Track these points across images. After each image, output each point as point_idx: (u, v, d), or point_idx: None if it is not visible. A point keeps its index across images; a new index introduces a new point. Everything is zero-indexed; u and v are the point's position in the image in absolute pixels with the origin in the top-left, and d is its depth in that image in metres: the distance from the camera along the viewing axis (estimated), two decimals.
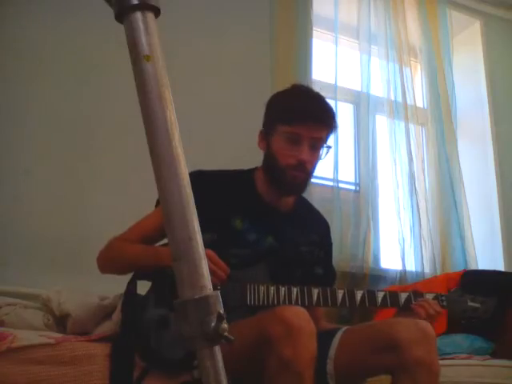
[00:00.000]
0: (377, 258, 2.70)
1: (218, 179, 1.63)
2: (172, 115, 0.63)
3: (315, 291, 1.49)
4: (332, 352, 1.42)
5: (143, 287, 1.41)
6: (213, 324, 0.60)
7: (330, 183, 2.69)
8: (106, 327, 1.60)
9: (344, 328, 1.49)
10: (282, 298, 1.45)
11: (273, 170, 1.59)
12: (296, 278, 1.59)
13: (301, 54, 2.72)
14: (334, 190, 2.67)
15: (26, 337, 1.32)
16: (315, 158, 1.59)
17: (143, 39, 0.63)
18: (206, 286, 0.61)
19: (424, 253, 2.77)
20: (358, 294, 1.52)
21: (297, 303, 1.44)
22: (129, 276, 1.48)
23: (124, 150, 2.26)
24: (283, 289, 1.46)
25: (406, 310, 1.53)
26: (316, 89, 1.73)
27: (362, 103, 2.87)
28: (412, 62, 3.16)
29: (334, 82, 2.81)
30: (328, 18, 2.94)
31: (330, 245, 1.79)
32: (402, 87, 2.94)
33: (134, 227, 1.58)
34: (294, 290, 1.47)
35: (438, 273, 2.72)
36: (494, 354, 2.03)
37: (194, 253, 0.61)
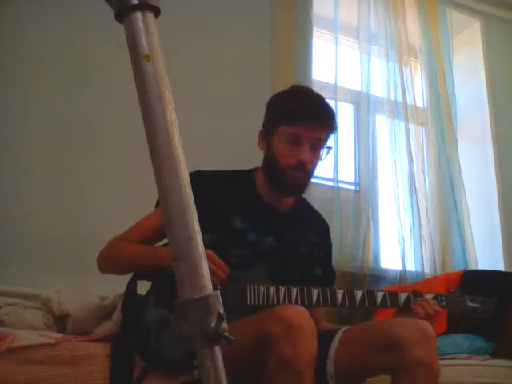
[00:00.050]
0: (377, 258, 2.70)
1: (218, 179, 1.63)
2: (172, 115, 0.63)
3: (315, 291, 1.49)
4: (332, 352, 1.42)
5: (143, 287, 1.41)
6: (213, 324, 0.60)
7: (330, 183, 2.69)
8: (106, 327, 1.60)
9: (344, 328, 1.49)
10: (281, 298, 1.45)
11: (273, 170, 1.59)
12: (296, 278, 1.59)
13: (301, 54, 2.72)
14: (334, 190, 2.67)
15: (26, 337, 1.32)
16: (315, 158, 1.59)
17: (143, 39, 0.63)
18: (206, 286, 0.61)
19: (424, 253, 2.77)
20: (358, 294, 1.52)
21: (296, 303, 1.44)
22: (129, 276, 1.48)
23: (124, 150, 2.26)
24: (283, 289, 1.46)
25: (405, 309, 1.53)
26: (316, 89, 1.73)
27: (362, 103, 2.87)
28: (412, 62, 3.16)
29: (334, 82, 2.81)
30: (328, 18, 2.94)
31: (330, 245, 1.79)
32: (401, 87, 2.94)
33: (134, 227, 1.58)
34: (294, 290, 1.47)
35: (438, 273, 2.72)
36: (494, 354, 2.03)
37: (193, 253, 0.61)
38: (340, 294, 1.51)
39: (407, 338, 1.32)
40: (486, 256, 2.94)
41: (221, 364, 0.61)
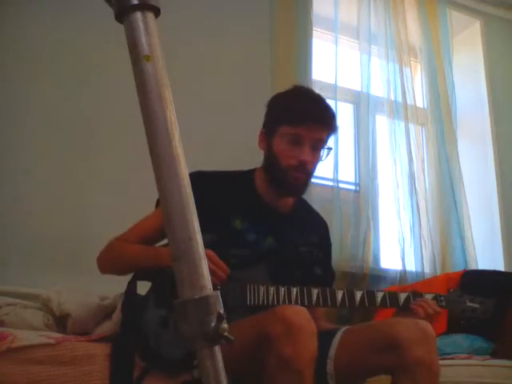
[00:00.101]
0: (377, 258, 2.70)
1: (218, 180, 1.63)
2: (172, 115, 0.63)
3: (315, 291, 1.49)
4: (332, 352, 1.42)
5: (143, 287, 1.41)
6: (213, 324, 0.60)
7: (330, 183, 2.69)
8: (106, 327, 1.60)
9: (344, 328, 1.49)
10: (281, 298, 1.45)
11: (274, 170, 1.59)
12: (295, 278, 1.59)
13: (301, 54, 2.72)
14: (334, 190, 2.67)
15: (26, 337, 1.32)
16: (316, 158, 1.60)
17: (143, 39, 0.63)
18: (206, 286, 0.61)
19: (424, 253, 2.77)
20: (358, 295, 1.52)
21: (296, 303, 1.44)
22: (129, 276, 1.48)
23: (124, 150, 2.26)
24: (283, 289, 1.46)
25: (405, 310, 1.53)
26: (316, 89, 1.73)
27: (362, 103, 2.87)
28: (412, 62, 3.16)
29: (334, 82, 2.81)
30: (328, 18, 2.94)
31: (330, 246, 1.79)
32: (402, 87, 2.94)
33: (134, 228, 1.58)
34: (294, 290, 1.47)
35: (438, 273, 2.72)
36: (494, 354, 2.03)
37: (194, 253, 0.61)
38: (340, 294, 1.51)
39: (407, 338, 1.32)
40: (486, 256, 2.94)
41: (221, 364, 0.61)
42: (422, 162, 2.96)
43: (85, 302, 1.66)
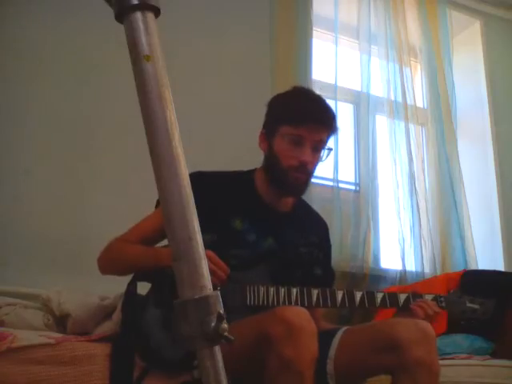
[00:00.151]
0: (377, 258, 2.70)
1: (218, 180, 1.63)
2: (172, 115, 0.63)
3: (315, 292, 1.49)
4: (332, 352, 1.42)
5: (143, 288, 1.41)
6: (213, 324, 0.60)
7: (330, 183, 2.69)
8: (106, 327, 1.60)
9: (344, 328, 1.49)
10: (281, 299, 1.45)
11: (274, 170, 1.59)
12: (296, 278, 1.59)
13: (301, 54, 2.72)
14: (334, 190, 2.67)
15: (26, 337, 1.32)
16: (316, 159, 1.60)
17: (143, 39, 0.63)
18: (206, 286, 0.61)
19: (424, 253, 2.77)
20: (358, 295, 1.52)
21: (296, 304, 1.44)
22: (129, 276, 1.48)
23: (124, 150, 2.26)
24: (283, 290, 1.46)
25: (405, 310, 1.53)
26: (316, 89, 1.74)
27: (362, 103, 2.87)
28: (412, 62, 3.16)
29: (334, 82, 2.81)
30: (328, 18, 2.94)
31: (329, 246, 1.79)
32: (402, 87, 2.94)
33: (134, 228, 1.58)
34: (294, 291, 1.47)
35: (438, 273, 2.72)
36: (494, 354, 2.03)
37: (194, 253, 0.61)
38: (340, 294, 1.51)
39: (407, 338, 1.32)
40: (486, 256, 2.94)
41: (221, 364, 0.61)
42: (422, 162, 2.96)
43: (85, 302, 1.66)
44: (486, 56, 3.30)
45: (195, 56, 2.50)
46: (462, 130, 3.16)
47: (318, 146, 1.58)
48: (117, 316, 1.57)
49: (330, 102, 1.71)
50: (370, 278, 2.59)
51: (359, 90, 2.91)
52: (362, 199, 2.73)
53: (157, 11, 0.64)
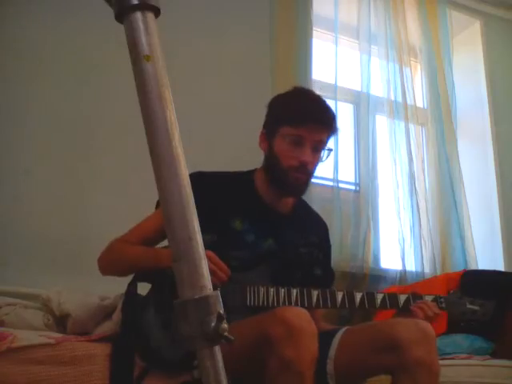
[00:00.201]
0: (377, 258, 2.70)
1: (218, 180, 1.63)
2: (172, 115, 0.63)
3: (315, 293, 1.49)
4: (332, 352, 1.42)
5: (143, 289, 1.41)
6: (213, 324, 0.60)
7: (330, 183, 2.69)
8: (106, 327, 1.60)
9: (344, 328, 1.49)
10: (281, 300, 1.45)
11: (274, 170, 1.60)
12: (296, 279, 1.59)
13: (301, 54, 2.72)
14: (334, 190, 2.67)
15: (26, 337, 1.32)
16: (316, 159, 1.60)
17: (143, 39, 0.63)
18: (206, 286, 0.61)
19: (424, 253, 2.77)
20: (358, 296, 1.52)
21: (296, 305, 1.44)
22: (129, 276, 1.48)
23: (124, 150, 2.26)
24: (283, 290, 1.46)
25: (405, 311, 1.53)
26: (316, 89, 1.74)
27: (362, 103, 2.87)
28: (412, 62, 3.16)
29: (334, 82, 2.81)
30: (328, 18, 2.94)
31: (329, 247, 1.79)
32: (402, 87, 2.94)
33: (135, 229, 1.58)
34: (294, 292, 1.47)
35: (438, 273, 2.72)
36: (494, 354, 2.03)
37: (194, 253, 0.61)
38: (340, 295, 1.50)
39: (407, 339, 1.32)
40: (486, 256, 2.94)
41: (221, 364, 0.61)
42: (422, 162, 2.96)
43: (85, 302, 1.65)
44: (486, 56, 3.29)
45: (195, 56, 2.50)
46: (462, 130, 3.16)
47: (318, 147, 1.59)
48: (117, 316, 1.57)
49: (330, 102, 1.71)
50: (370, 277, 2.59)
51: (359, 89, 2.91)
52: (362, 199, 2.73)
53: (157, 11, 0.64)
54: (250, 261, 1.54)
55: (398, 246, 2.74)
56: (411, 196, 2.83)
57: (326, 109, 1.62)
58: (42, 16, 2.26)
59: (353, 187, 2.84)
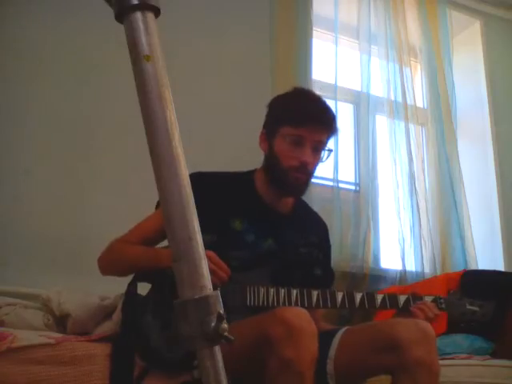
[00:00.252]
0: (377, 258, 2.70)
1: (218, 180, 1.63)
2: (172, 115, 0.63)
3: (315, 293, 1.49)
4: (332, 352, 1.42)
5: (144, 289, 1.41)
6: (213, 324, 0.60)
7: (330, 183, 2.69)
8: (107, 327, 1.60)
9: (344, 328, 1.49)
10: (281, 300, 1.45)
11: (274, 171, 1.60)
12: (296, 279, 1.59)
13: (301, 54, 2.72)
14: (334, 190, 2.67)
15: (26, 337, 1.32)
16: (316, 159, 1.60)
17: (143, 39, 0.63)
18: (206, 286, 0.61)
19: (424, 253, 2.77)
20: (358, 297, 1.52)
21: (296, 305, 1.44)
22: (129, 276, 1.48)
23: (124, 150, 2.26)
24: (283, 290, 1.46)
25: (404, 312, 1.53)
26: (316, 89, 1.74)
27: (362, 103, 2.87)
28: (412, 62, 3.16)
29: (334, 82, 2.81)
30: (328, 18, 2.94)
31: (329, 247, 1.79)
32: (402, 87, 2.94)
33: (135, 229, 1.58)
34: (294, 292, 1.47)
35: (438, 273, 2.72)
36: (494, 354, 2.03)
37: (194, 253, 0.61)
38: (340, 295, 1.50)
39: (407, 338, 1.32)
40: (486, 256, 2.94)
41: (221, 364, 0.61)
42: (422, 162, 2.96)
43: (85, 302, 1.66)
44: (486, 56, 3.29)
45: (195, 56, 2.50)
46: (462, 129, 3.16)
47: (318, 147, 1.59)
48: (117, 316, 1.57)
49: (330, 102, 1.72)
50: (370, 277, 2.59)
51: (359, 89, 2.91)
52: (362, 199, 2.73)
53: (157, 11, 0.64)
54: (250, 261, 1.54)
55: (398, 246, 2.74)
56: (411, 196, 2.83)
57: (326, 109, 1.62)
58: (41, 16, 2.26)
59: (353, 187, 2.84)
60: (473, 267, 2.76)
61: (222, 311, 0.61)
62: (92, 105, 2.28)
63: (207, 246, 0.69)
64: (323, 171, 2.60)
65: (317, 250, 1.70)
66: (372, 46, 2.96)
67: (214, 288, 0.62)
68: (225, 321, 0.60)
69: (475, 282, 2.22)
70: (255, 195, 1.65)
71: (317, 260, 1.70)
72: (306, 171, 1.57)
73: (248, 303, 1.44)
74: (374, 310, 2.08)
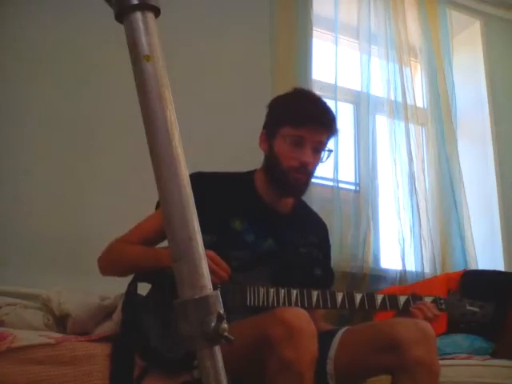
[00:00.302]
0: (377, 258, 2.70)
1: (218, 181, 1.63)
2: (172, 115, 0.63)
3: (315, 293, 1.49)
4: (332, 352, 1.42)
5: (144, 289, 1.41)
6: (213, 324, 0.60)
7: (330, 183, 2.69)
8: (107, 327, 1.60)
9: (344, 328, 1.49)
10: (281, 300, 1.45)
11: (275, 171, 1.60)
12: (296, 279, 1.59)
13: (301, 54, 2.72)
14: (334, 190, 2.67)
15: (26, 337, 1.32)
16: (317, 160, 1.60)
17: (143, 39, 0.63)
18: (206, 286, 0.61)
19: (424, 253, 2.77)
20: (358, 297, 1.52)
21: (296, 305, 1.44)
22: (129, 276, 1.48)
23: (124, 150, 2.26)
24: (283, 291, 1.46)
25: (404, 312, 1.53)
26: (316, 89, 1.74)
27: (362, 103, 2.87)
28: (412, 62, 3.16)
29: (334, 82, 2.81)
30: (328, 18, 2.94)
31: (329, 247, 1.79)
32: (402, 87, 2.94)
33: (135, 229, 1.58)
34: (294, 292, 1.47)
35: (438, 273, 2.72)
36: (494, 354, 2.03)
37: (194, 253, 0.61)
38: (339, 296, 1.50)
39: (407, 338, 1.32)
40: (486, 256, 2.94)
41: (221, 364, 0.61)
42: (422, 162, 2.96)
43: (85, 302, 1.65)
44: (486, 56, 3.29)
45: (195, 56, 2.50)
46: (462, 129, 3.16)
47: (319, 147, 1.59)
48: (117, 316, 1.57)
49: (330, 102, 1.72)
50: (370, 278, 2.59)
51: (359, 90, 2.91)
52: (362, 199, 2.73)
53: (157, 11, 0.64)
54: (250, 261, 1.54)
55: (398, 246, 2.74)
56: (411, 196, 2.83)
57: (326, 110, 1.62)
58: (42, 16, 2.26)
59: (353, 187, 2.84)
60: (473, 267, 2.76)
61: (222, 311, 0.61)
62: (92, 105, 2.28)
63: (206, 247, 0.69)
64: (323, 171, 2.60)
65: (317, 250, 1.70)
66: (372, 46, 2.96)
67: (214, 288, 0.62)
68: (225, 321, 0.60)
69: (475, 282, 2.22)
70: (255, 195, 1.65)
71: (317, 260, 1.70)
72: (306, 172, 1.57)
73: (248, 303, 1.44)
74: (373, 311, 2.08)
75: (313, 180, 1.68)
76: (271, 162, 1.61)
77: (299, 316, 1.25)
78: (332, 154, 1.70)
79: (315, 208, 1.87)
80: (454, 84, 3.10)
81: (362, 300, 1.52)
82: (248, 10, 2.66)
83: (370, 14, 2.98)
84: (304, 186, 1.60)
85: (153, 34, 0.63)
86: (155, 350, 1.31)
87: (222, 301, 0.62)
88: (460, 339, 2.07)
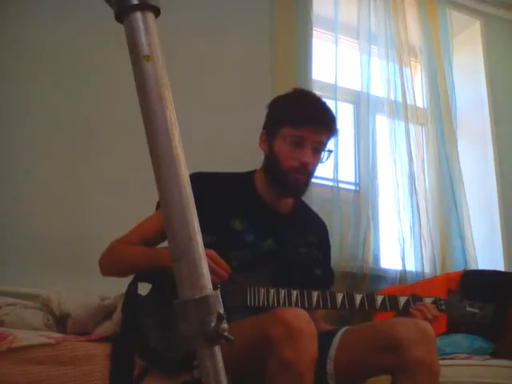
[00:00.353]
0: (377, 258, 2.70)
1: (218, 181, 1.63)
2: (172, 115, 0.63)
3: (315, 294, 1.49)
4: (332, 352, 1.42)
5: (144, 289, 1.41)
6: (213, 324, 0.60)
7: (330, 183, 2.69)
8: (107, 327, 1.60)
9: (344, 328, 1.49)
10: (281, 301, 1.45)
11: (275, 171, 1.60)
12: (296, 279, 1.59)
13: (301, 54, 2.72)
14: (334, 190, 2.67)
15: (26, 337, 1.32)
16: (317, 160, 1.61)
17: (143, 39, 0.63)
18: (206, 286, 0.61)
19: (424, 253, 2.77)
20: (358, 298, 1.52)
21: (296, 306, 1.44)
22: (129, 276, 1.48)
23: (124, 150, 2.26)
24: (283, 291, 1.46)
25: (404, 313, 1.53)
26: (316, 89, 1.74)
27: (362, 103, 2.87)
28: (412, 62, 3.16)
29: (334, 82, 2.81)
30: (328, 18, 2.94)
31: (329, 247, 1.80)
32: (402, 87, 2.94)
33: (135, 229, 1.58)
34: (294, 293, 1.47)
35: (438, 273, 2.72)
36: (494, 354, 2.03)
37: (194, 253, 0.61)
38: (339, 297, 1.50)
39: (407, 338, 1.32)
40: (486, 256, 2.94)
41: (221, 364, 0.61)
42: (422, 162, 2.96)
43: (85, 302, 1.65)
44: (486, 56, 3.29)
45: (195, 56, 2.50)
46: (462, 130, 3.16)
47: (319, 148, 1.59)
48: (117, 316, 1.57)
49: (330, 102, 1.72)
50: (370, 278, 2.59)
51: (359, 89, 2.91)
52: (362, 199, 2.73)
53: (157, 11, 0.64)
54: (250, 261, 1.54)
55: (398, 246, 2.74)
56: (411, 196, 2.83)
57: (326, 110, 1.62)
58: (42, 16, 2.26)
59: (353, 187, 2.84)
60: (473, 267, 2.76)
61: (222, 311, 0.61)
62: (92, 105, 2.28)
63: (207, 247, 0.69)
64: (323, 171, 2.60)
65: (317, 250, 1.70)
66: (372, 46, 2.96)
67: (214, 288, 0.62)
68: (225, 321, 0.60)
69: (475, 282, 2.22)
70: (255, 195, 1.65)
71: (317, 260, 1.70)
72: (306, 172, 1.57)
73: (248, 303, 1.44)
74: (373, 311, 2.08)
75: (313, 180, 1.68)
76: (271, 162, 1.61)
77: (299, 316, 1.25)
78: (332, 154, 1.70)
79: (315, 208, 1.87)
80: (454, 84, 3.10)
81: (362, 300, 1.52)
82: (248, 9, 2.66)
83: (369, 14, 2.98)
84: (304, 186, 1.60)
85: (153, 34, 0.63)
86: (155, 349, 1.31)
87: (222, 301, 0.62)
88: (460, 339, 2.07)
